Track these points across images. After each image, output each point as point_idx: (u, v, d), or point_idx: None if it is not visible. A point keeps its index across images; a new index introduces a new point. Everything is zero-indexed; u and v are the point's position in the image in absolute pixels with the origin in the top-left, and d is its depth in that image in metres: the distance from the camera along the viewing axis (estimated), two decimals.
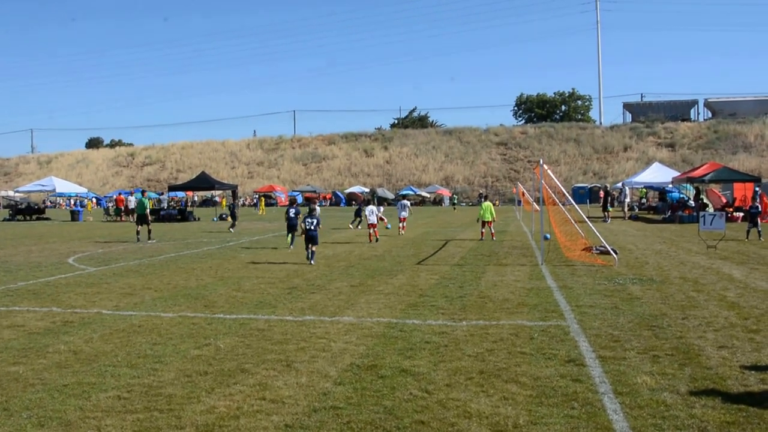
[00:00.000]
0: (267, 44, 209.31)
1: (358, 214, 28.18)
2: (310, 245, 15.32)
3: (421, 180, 78.85)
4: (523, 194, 41.36)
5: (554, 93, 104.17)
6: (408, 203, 26.88)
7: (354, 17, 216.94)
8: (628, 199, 39.14)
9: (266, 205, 62.00)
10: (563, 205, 19.45)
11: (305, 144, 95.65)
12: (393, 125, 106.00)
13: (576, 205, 18.11)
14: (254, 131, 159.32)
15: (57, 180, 53.90)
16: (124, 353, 7.07)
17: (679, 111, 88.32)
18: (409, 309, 9.44)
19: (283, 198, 72.15)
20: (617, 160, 76.78)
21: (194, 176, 51.92)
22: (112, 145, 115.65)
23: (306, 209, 16.68)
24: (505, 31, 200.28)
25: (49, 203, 73.38)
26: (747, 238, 20.10)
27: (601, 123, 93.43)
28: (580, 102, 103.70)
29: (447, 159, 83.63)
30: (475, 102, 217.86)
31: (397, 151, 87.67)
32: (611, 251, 14.97)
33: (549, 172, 17.01)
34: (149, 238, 23.37)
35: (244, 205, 66.99)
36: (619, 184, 45.52)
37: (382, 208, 29.35)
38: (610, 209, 33.61)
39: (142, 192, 28.06)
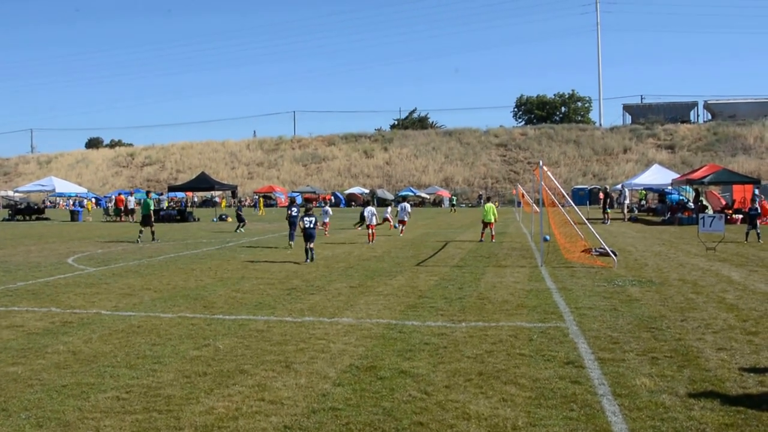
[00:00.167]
0: (267, 44, 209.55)
1: (363, 216, 28.43)
2: (308, 243, 15.93)
3: (420, 181, 78.87)
4: (523, 196, 41.37)
5: (554, 94, 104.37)
6: (408, 206, 26.97)
7: (354, 18, 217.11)
8: (627, 201, 39.15)
9: (266, 205, 62.05)
10: (563, 206, 19.46)
11: (305, 145, 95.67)
12: (393, 126, 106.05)
13: (575, 207, 18.12)
14: (254, 132, 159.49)
15: (57, 180, 53.88)
16: (123, 354, 7.07)
17: (679, 113, 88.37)
18: (408, 310, 9.44)
19: (282, 199, 72.16)
20: (617, 162, 76.82)
21: (194, 177, 51.94)
22: (112, 145, 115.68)
23: (303, 209, 17.31)
24: (505, 32, 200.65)
25: (48, 203, 73.39)
26: (746, 240, 20.11)
27: (600, 124, 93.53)
28: (579, 103, 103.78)
29: (447, 160, 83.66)
30: (475, 103, 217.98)
31: (396, 152, 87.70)
32: (610, 253, 14.98)
33: (549, 173, 17.02)
34: (153, 239, 23.35)
35: (244, 205, 66.96)
36: (619, 186, 45.52)
37: (389, 209, 29.64)
38: (609, 211, 33.59)
39: (147, 192, 28.14)
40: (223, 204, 63.66)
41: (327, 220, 25.23)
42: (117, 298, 10.74)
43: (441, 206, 68.40)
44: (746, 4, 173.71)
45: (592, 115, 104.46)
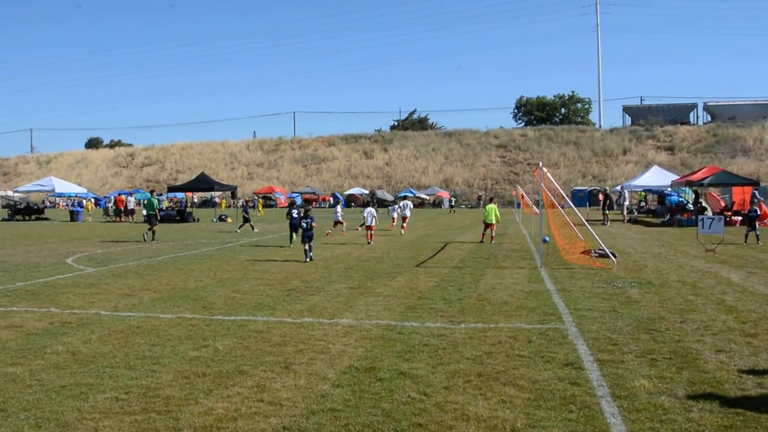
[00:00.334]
0: (267, 45, 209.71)
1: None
2: (307, 244, 16.40)
3: (420, 182, 78.86)
4: (523, 197, 41.38)
5: (554, 96, 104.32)
6: (410, 204, 27.33)
7: (354, 19, 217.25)
8: (627, 203, 39.16)
9: (266, 206, 62.02)
10: (562, 208, 19.46)
11: (305, 145, 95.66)
12: (393, 127, 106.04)
13: (575, 208, 18.12)
14: (254, 132, 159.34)
15: (56, 180, 53.81)
16: (123, 354, 7.07)
17: (679, 114, 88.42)
18: (407, 311, 9.44)
19: (282, 199, 72.17)
20: (616, 164, 76.83)
21: (194, 177, 51.92)
22: (112, 145, 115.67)
23: (302, 210, 17.88)
24: (505, 34, 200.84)
25: (48, 203, 73.36)
26: (745, 241, 20.11)
27: (600, 126, 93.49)
28: (579, 105, 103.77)
29: (446, 161, 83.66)
30: (475, 104, 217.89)
31: (396, 153, 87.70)
32: (610, 254, 14.98)
33: (548, 174, 17.02)
34: (153, 239, 23.57)
35: (250, 206, 66.93)
36: (618, 188, 45.53)
37: (397, 207, 29.95)
38: (608, 212, 33.61)
39: (151, 192, 28.27)
40: (223, 204, 63.65)
41: (340, 219, 25.25)
42: (116, 299, 10.74)
43: (441, 207, 68.38)
44: (746, 5, 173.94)
45: (592, 117, 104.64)
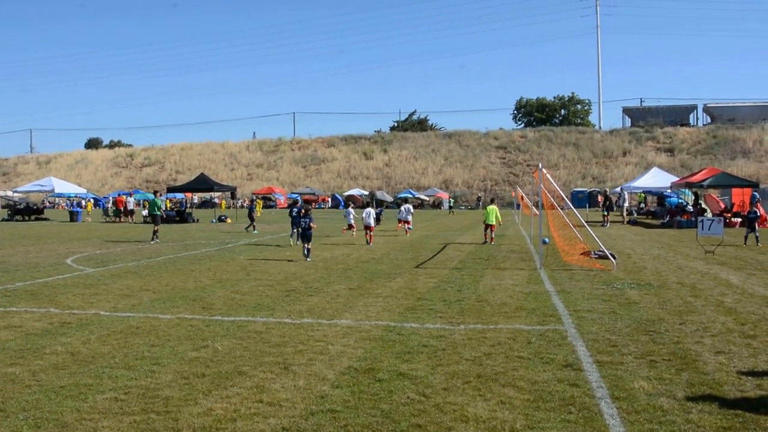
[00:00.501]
0: (267, 46, 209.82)
1: (378, 218, 29.72)
2: (305, 243, 16.87)
3: (420, 183, 78.87)
4: (522, 198, 41.38)
5: (554, 97, 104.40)
6: (411, 207, 27.43)
7: (353, 20, 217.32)
8: (626, 204, 39.17)
9: (265, 207, 61.99)
10: (562, 209, 19.46)
11: (305, 146, 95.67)
12: (392, 128, 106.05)
13: (575, 210, 18.12)
14: (254, 133, 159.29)
15: (56, 180, 53.76)
16: (122, 355, 7.07)
17: (679, 116, 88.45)
18: (407, 312, 9.44)
19: (282, 200, 72.17)
20: (616, 165, 76.84)
21: (193, 177, 51.91)
22: (112, 145, 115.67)
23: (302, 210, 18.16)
24: (505, 35, 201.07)
25: (47, 204, 73.33)
26: (745, 243, 20.11)
27: (600, 127, 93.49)
28: (579, 106, 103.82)
29: (446, 162, 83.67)
30: (474, 105, 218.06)
31: (396, 154, 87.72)
32: (609, 256, 14.98)
33: (548, 176, 17.03)
34: (152, 238, 23.86)
35: (242, 206, 66.94)
36: (618, 189, 45.54)
37: (404, 208, 30.24)
38: (606, 213, 33.61)
39: (155, 192, 28.42)
40: (223, 205, 63.65)
41: (352, 221, 25.11)
42: (116, 299, 10.74)
43: (440, 208, 68.39)
44: (746, 7, 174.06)
45: (592, 118, 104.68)
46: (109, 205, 50.35)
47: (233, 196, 52.46)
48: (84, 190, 58.28)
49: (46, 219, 45.32)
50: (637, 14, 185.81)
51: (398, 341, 7.61)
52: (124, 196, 46.51)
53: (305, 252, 16.80)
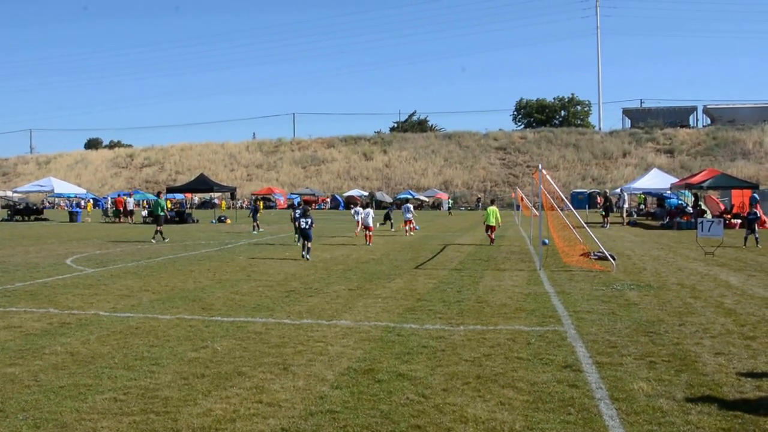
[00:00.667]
0: (266, 46, 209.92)
1: (389, 216, 30.19)
2: (305, 242, 17.17)
3: (420, 184, 78.86)
4: (522, 199, 41.38)
5: (554, 98, 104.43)
6: (411, 206, 27.57)
7: (353, 20, 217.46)
8: (626, 205, 39.17)
9: (265, 207, 61.95)
10: (562, 210, 19.47)
11: (304, 147, 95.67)
12: (392, 129, 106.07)
13: (574, 211, 18.12)
14: (253, 133, 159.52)
15: (55, 181, 53.69)
16: (121, 355, 7.07)
17: (678, 117, 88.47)
18: (406, 313, 9.44)
19: (282, 200, 72.18)
20: (616, 166, 76.86)
21: (193, 178, 51.89)
22: (111, 146, 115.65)
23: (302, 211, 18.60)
24: (505, 36, 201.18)
25: (47, 204, 73.31)
26: (744, 244, 20.12)
27: (600, 128, 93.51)
28: (579, 107, 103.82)
29: (446, 163, 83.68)
30: (474, 106, 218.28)
31: (396, 155, 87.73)
32: (609, 257, 14.99)
33: (548, 177, 17.03)
34: (153, 238, 24.16)
35: (241, 207, 66.97)
36: (618, 190, 45.56)
37: (411, 208, 30.42)
38: (603, 213, 33.61)
39: (158, 193, 28.59)
40: (223, 205, 63.61)
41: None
42: (115, 300, 10.74)
43: (440, 209, 68.43)
44: (746, 8, 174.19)
45: (592, 119, 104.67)
46: (109, 205, 50.31)
47: (233, 197, 52.40)
48: (84, 191, 58.24)
49: (45, 219, 45.32)
50: (637, 15, 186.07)
51: (398, 342, 7.61)
52: (124, 197, 46.48)
53: (305, 251, 17.04)
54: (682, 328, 8.29)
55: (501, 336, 7.90)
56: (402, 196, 65.40)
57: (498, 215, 21.82)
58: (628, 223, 35.60)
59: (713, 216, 29.87)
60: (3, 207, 56.24)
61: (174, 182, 75.76)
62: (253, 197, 65.02)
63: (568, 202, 18.18)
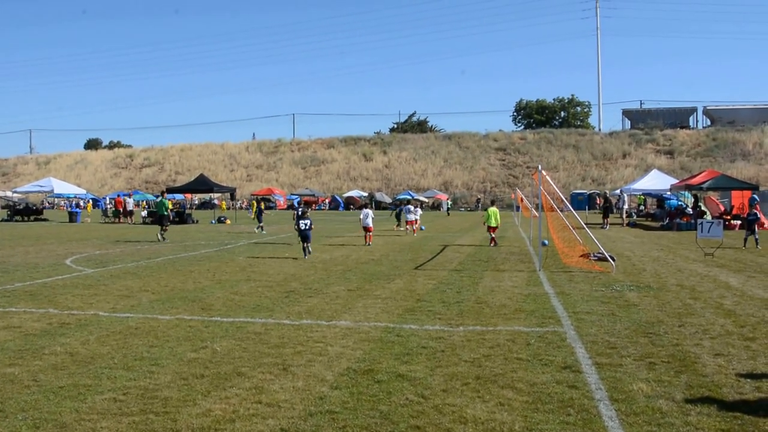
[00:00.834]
0: (266, 47, 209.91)
1: (399, 216, 30.27)
2: (305, 243, 17.62)
3: (419, 185, 78.86)
4: (522, 200, 41.38)
5: (553, 99, 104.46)
6: (411, 207, 27.69)
7: (353, 21, 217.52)
8: (626, 206, 39.17)
9: (266, 208, 61.87)
10: (561, 211, 19.47)
11: (304, 147, 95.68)
12: (392, 129, 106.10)
13: (574, 212, 18.13)
14: (253, 134, 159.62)
15: (55, 181, 53.68)
16: (121, 355, 7.07)
17: (678, 118, 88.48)
18: (406, 314, 9.44)
19: (282, 201, 72.18)
20: (616, 167, 76.87)
21: (193, 178, 51.88)
22: (111, 146, 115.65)
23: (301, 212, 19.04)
24: (505, 36, 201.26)
25: (47, 204, 73.29)
26: (744, 246, 20.12)
27: (600, 129, 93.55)
28: (579, 108, 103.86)
29: (446, 164, 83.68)
30: (474, 107, 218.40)
31: (396, 156, 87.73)
32: (609, 258, 14.99)
33: (547, 178, 17.04)
34: (162, 237, 24.51)
35: (241, 208, 66.97)
36: (618, 191, 45.57)
37: (420, 210, 30.68)
38: (600, 212, 33.60)
39: (162, 193, 28.71)
40: (224, 206, 63.64)
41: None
42: (115, 300, 10.73)
43: (440, 210, 68.45)
44: (747, 9, 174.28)
45: (592, 120, 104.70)
46: (109, 205, 50.30)
47: (233, 197, 52.41)
48: (83, 191, 58.24)
49: (45, 219, 45.32)
50: (637, 16, 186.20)
51: (397, 343, 7.61)
52: (123, 197, 46.47)
53: (304, 250, 17.52)
54: (682, 329, 8.29)
55: (500, 337, 7.90)
56: (402, 196, 65.43)
57: (498, 216, 21.81)
58: (628, 224, 35.61)
59: (713, 217, 29.88)
60: (3, 207, 56.26)
61: (174, 183, 75.82)
62: (254, 198, 65.03)
63: (567, 203, 18.18)
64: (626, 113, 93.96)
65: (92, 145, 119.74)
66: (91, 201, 64.23)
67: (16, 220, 43.73)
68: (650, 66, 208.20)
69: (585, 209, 50.71)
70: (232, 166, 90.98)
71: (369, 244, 21.44)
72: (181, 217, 40.87)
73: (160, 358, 6.92)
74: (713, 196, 38.44)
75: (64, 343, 7.67)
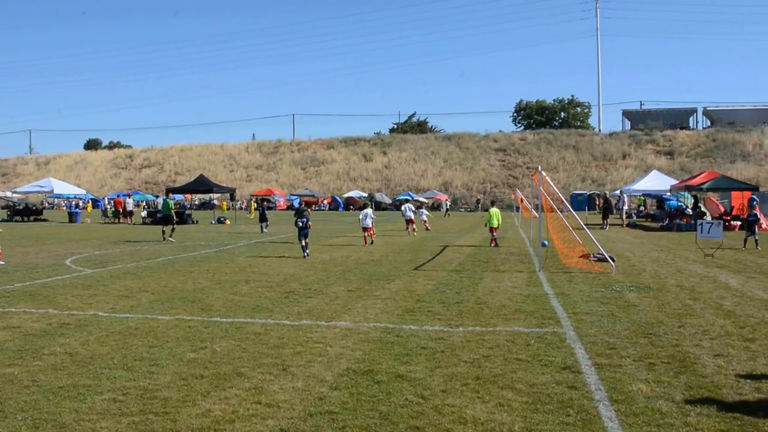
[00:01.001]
0: (266, 47, 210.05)
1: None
2: (302, 242, 17.95)
3: (419, 185, 78.88)
4: (522, 201, 41.39)
5: (553, 100, 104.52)
6: (412, 206, 27.77)
7: (353, 21, 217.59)
8: (626, 207, 39.18)
9: (267, 209, 61.86)
10: (561, 212, 19.47)
11: (304, 148, 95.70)
12: (392, 130, 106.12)
13: (574, 213, 18.12)
14: (253, 134, 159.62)
15: (55, 181, 53.70)
16: (120, 356, 7.06)
17: (678, 119, 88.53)
18: (405, 314, 9.44)
19: (281, 201, 72.17)
20: (616, 168, 76.89)
21: (192, 179, 51.87)
22: (111, 146, 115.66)
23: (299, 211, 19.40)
24: (505, 37, 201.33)
25: (46, 204, 73.27)
26: (744, 246, 20.13)
27: (600, 130, 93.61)
28: (579, 109, 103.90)
29: (446, 164, 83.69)
30: (474, 108, 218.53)
31: (395, 156, 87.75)
32: (608, 259, 14.99)
33: (547, 178, 17.04)
34: (170, 237, 24.74)
35: (241, 208, 66.96)
36: (618, 192, 45.57)
37: (425, 212, 30.74)
38: (599, 213, 33.61)
39: (167, 193, 28.82)
40: (224, 206, 63.64)
41: (370, 224, 23.68)
42: (114, 300, 10.73)
43: (440, 210, 68.46)
44: (747, 11, 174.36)
45: (592, 121, 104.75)
46: (108, 206, 50.29)
47: (232, 198, 52.42)
48: (83, 191, 58.24)
49: (45, 220, 45.31)
50: (636, 17, 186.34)
51: (397, 343, 7.60)
52: (123, 198, 46.45)
53: (304, 249, 17.88)
54: (682, 330, 8.29)
55: (500, 337, 7.90)
56: (401, 197, 65.45)
57: (500, 217, 21.84)
58: (628, 225, 35.62)
59: (713, 218, 29.88)
60: (2, 207, 56.24)
61: (173, 183, 75.79)
62: (255, 199, 65.02)
63: (567, 204, 18.18)
64: (626, 114, 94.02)
65: (92, 145, 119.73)
66: (90, 201, 64.21)
67: (16, 221, 43.72)
68: (650, 67, 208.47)
69: (585, 210, 50.70)
70: (231, 167, 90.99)
71: (373, 242, 21.68)
72: (181, 217, 40.87)
73: (160, 359, 6.92)
74: (713, 196, 38.45)
75: (64, 343, 7.66)
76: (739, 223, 29.07)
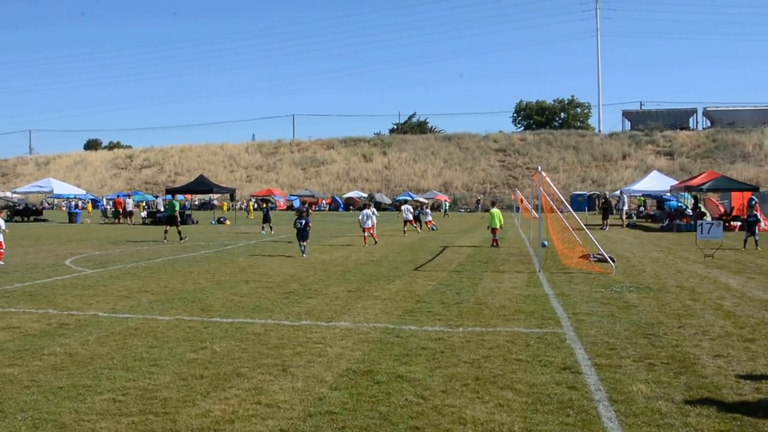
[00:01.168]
0: (266, 48, 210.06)
1: (418, 218, 30.60)
2: (302, 241, 18.20)
3: (419, 186, 78.85)
4: (522, 201, 41.39)
5: (553, 100, 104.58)
6: (411, 207, 27.87)
7: (353, 22, 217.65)
8: (626, 207, 39.16)
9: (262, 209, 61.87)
10: (561, 212, 19.47)
11: (304, 148, 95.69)
12: (392, 130, 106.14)
13: (574, 213, 18.12)
14: (253, 135, 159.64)
15: (55, 181, 53.68)
16: (120, 356, 7.06)
17: (678, 119, 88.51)
18: (405, 315, 9.44)
19: (281, 202, 72.17)
20: (616, 168, 76.88)
21: (192, 179, 51.87)
22: (111, 147, 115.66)
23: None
24: (505, 37, 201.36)
25: (46, 205, 73.25)
26: (744, 247, 20.12)
27: (600, 131, 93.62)
28: (579, 109, 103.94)
29: (446, 165, 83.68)
30: (474, 108, 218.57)
31: (395, 157, 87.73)
32: (608, 259, 14.98)
33: (547, 179, 17.03)
34: (180, 238, 24.72)
35: (241, 209, 66.94)
36: (618, 192, 45.56)
37: (429, 212, 30.77)
38: (598, 213, 33.61)
39: (172, 194, 28.92)
40: (225, 207, 63.61)
41: (370, 224, 22.97)
42: (114, 300, 10.73)
43: (440, 211, 68.46)
44: (747, 11, 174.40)
45: (592, 121, 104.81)
46: (108, 206, 50.28)
47: (232, 198, 52.42)
48: (83, 192, 58.22)
49: (45, 220, 45.32)
50: (636, 17, 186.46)
51: (397, 343, 7.60)
52: (123, 198, 46.45)
53: (302, 249, 18.14)
54: (682, 330, 8.29)
55: (500, 338, 7.90)
56: (401, 197, 65.45)
57: (501, 217, 21.86)
58: (628, 226, 35.62)
59: (713, 218, 29.88)
60: (2, 208, 56.20)
61: (173, 183, 75.81)
62: (257, 199, 64.99)
63: (567, 204, 18.18)
64: (626, 114, 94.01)
65: (92, 145, 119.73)
66: (90, 201, 64.20)
67: (16, 221, 43.70)
68: (650, 67, 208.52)
69: (585, 210, 50.69)
70: (231, 167, 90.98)
71: (376, 242, 21.74)
72: (182, 217, 40.80)
73: (160, 359, 6.92)
74: (713, 197, 38.44)
75: (64, 343, 7.66)
76: (739, 223, 29.07)
